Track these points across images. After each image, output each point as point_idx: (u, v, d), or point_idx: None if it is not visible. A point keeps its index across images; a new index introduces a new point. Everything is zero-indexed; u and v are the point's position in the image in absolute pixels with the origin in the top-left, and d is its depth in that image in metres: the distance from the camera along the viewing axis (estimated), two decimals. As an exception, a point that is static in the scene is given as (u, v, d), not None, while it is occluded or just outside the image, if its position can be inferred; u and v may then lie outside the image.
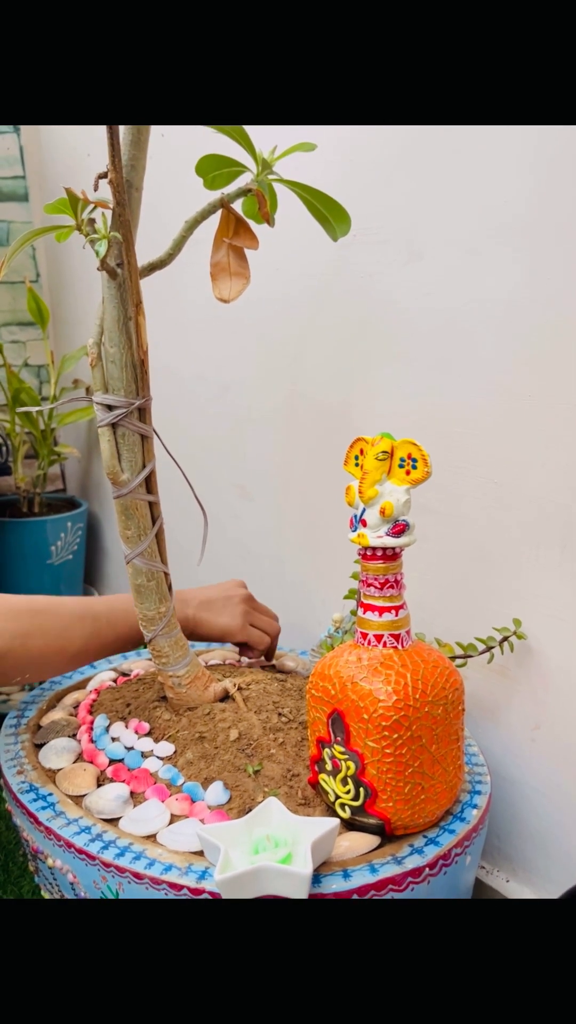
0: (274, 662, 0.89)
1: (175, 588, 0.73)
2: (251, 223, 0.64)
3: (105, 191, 0.60)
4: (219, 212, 0.63)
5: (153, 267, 0.65)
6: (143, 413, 0.66)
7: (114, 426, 0.65)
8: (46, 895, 0.70)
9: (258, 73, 0.48)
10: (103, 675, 0.87)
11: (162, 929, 0.43)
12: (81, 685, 0.86)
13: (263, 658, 0.88)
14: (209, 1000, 0.39)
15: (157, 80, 0.48)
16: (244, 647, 0.87)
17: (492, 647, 0.71)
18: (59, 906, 0.45)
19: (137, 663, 0.90)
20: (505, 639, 0.70)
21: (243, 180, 0.62)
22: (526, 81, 0.46)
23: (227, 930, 0.43)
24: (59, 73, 0.48)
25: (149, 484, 0.67)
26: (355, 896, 0.53)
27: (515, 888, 0.73)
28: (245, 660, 0.88)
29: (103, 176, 0.58)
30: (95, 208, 0.61)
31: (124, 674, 0.88)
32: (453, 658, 0.73)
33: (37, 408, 0.70)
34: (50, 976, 0.40)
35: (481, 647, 0.71)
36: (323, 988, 0.39)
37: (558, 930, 0.41)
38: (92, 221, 0.62)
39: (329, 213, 0.63)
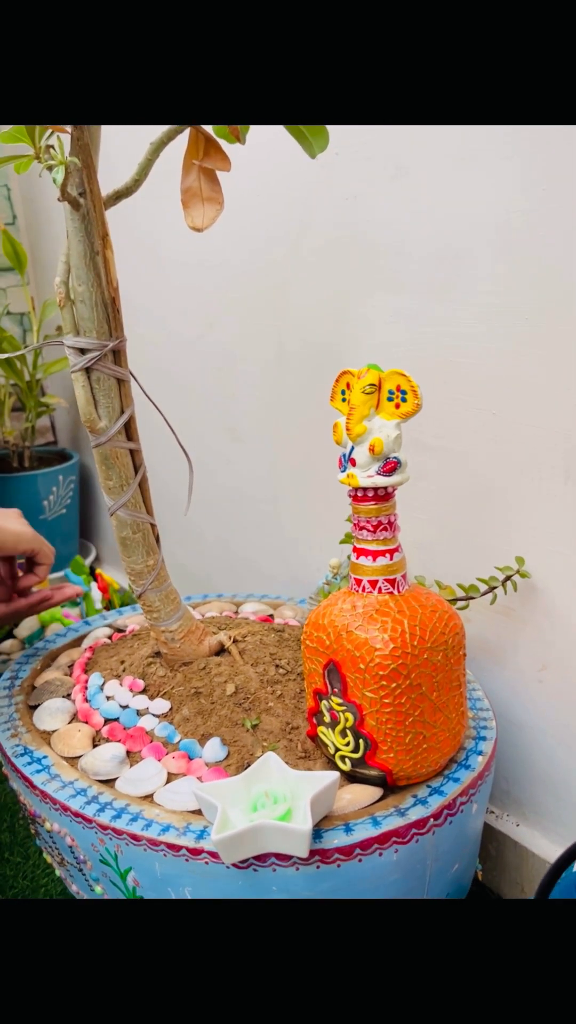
0: (272, 612, 0.86)
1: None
2: (222, 143, 0.59)
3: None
4: (187, 132, 0.58)
5: (119, 195, 0.60)
6: (118, 355, 0.62)
7: (88, 371, 0.61)
8: (48, 858, 0.69)
9: (256, 69, 0.43)
10: (98, 631, 0.85)
11: (157, 931, 0.41)
12: (76, 643, 0.84)
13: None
14: (207, 1002, 0.37)
15: (155, 77, 0.44)
16: (31, 563, 0.82)
17: (495, 587, 0.68)
18: (54, 907, 0.43)
19: (133, 618, 0.88)
20: (508, 578, 0.67)
21: (210, 94, 0.57)
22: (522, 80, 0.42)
23: (224, 931, 0.41)
24: (57, 71, 0.43)
25: (129, 431, 0.64)
26: (358, 850, 0.51)
27: (525, 832, 0.72)
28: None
29: (55, 95, 0.53)
30: (52, 133, 0.56)
31: (119, 630, 0.86)
32: (454, 600, 0.70)
33: (16, 353, 0.66)
34: (44, 978, 0.38)
35: (483, 588, 0.69)
36: (320, 990, 0.37)
37: (539, 931, 0.38)
38: (50, 148, 0.57)
39: (304, 126, 0.58)
